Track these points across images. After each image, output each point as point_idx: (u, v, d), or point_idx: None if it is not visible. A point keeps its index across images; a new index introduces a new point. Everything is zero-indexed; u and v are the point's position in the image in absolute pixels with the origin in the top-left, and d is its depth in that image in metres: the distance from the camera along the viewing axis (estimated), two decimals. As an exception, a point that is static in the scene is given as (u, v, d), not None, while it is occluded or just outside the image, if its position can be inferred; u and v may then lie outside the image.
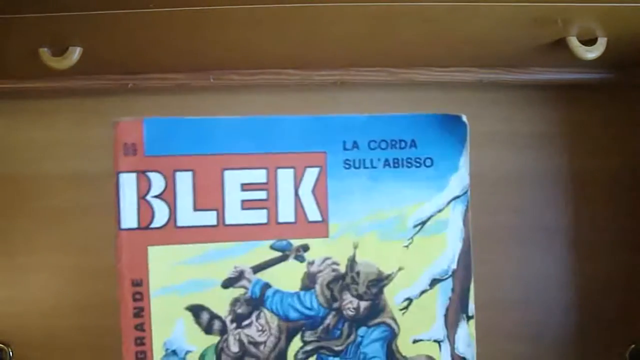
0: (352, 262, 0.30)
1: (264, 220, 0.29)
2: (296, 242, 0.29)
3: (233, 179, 0.29)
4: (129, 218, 0.30)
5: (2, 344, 0.61)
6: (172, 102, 0.64)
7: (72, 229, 0.63)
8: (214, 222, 0.29)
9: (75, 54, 0.53)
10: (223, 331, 0.29)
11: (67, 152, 0.64)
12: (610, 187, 0.64)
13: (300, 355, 0.29)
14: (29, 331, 0.61)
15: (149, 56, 0.57)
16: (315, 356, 0.29)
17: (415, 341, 0.30)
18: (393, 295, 0.30)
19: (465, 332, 0.30)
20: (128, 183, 0.30)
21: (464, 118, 0.30)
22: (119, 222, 0.30)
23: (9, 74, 0.61)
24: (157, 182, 0.29)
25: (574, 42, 0.52)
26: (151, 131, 0.30)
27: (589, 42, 0.52)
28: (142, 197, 0.29)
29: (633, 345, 0.62)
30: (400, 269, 0.30)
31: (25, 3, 0.45)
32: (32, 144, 0.64)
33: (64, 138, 0.64)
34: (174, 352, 0.29)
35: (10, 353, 0.61)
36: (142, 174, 0.29)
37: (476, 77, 0.62)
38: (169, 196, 0.29)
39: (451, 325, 0.29)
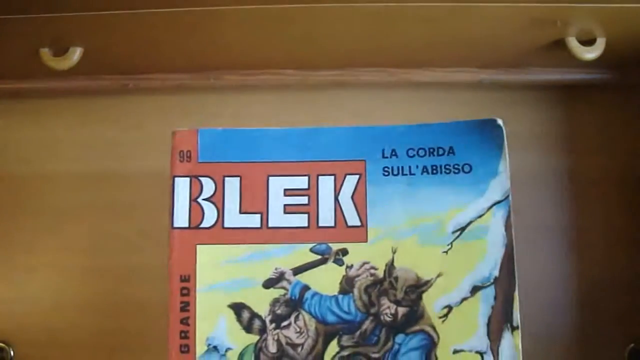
0: (390, 267, 0.30)
1: (305, 224, 0.30)
2: (335, 246, 0.30)
3: (277, 185, 0.31)
4: (180, 218, 0.31)
5: (3, 343, 0.61)
6: (172, 102, 0.64)
7: (73, 228, 0.63)
8: (258, 225, 0.31)
9: (76, 54, 0.53)
10: (262, 331, 0.30)
11: (67, 152, 0.64)
12: (610, 187, 0.64)
13: None
14: (30, 331, 0.61)
15: (149, 56, 0.57)
16: None
17: (455, 351, 0.29)
18: (432, 302, 0.29)
19: (510, 344, 0.29)
20: (182, 186, 0.32)
21: (500, 122, 0.30)
22: (172, 221, 0.32)
23: (9, 74, 0.61)
24: (208, 186, 0.31)
25: (573, 43, 0.52)
26: (204, 140, 0.32)
27: (588, 42, 0.53)
28: (193, 200, 0.31)
29: (632, 345, 0.62)
30: (439, 275, 0.30)
31: (25, 3, 0.46)
32: (32, 144, 0.65)
33: (64, 138, 0.64)
34: (215, 348, 0.30)
35: (12, 352, 0.61)
36: (195, 178, 0.31)
37: (476, 77, 0.62)
38: (218, 199, 0.31)
39: (494, 336, 0.29)
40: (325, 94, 0.64)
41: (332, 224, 0.30)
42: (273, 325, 0.30)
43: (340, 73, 0.62)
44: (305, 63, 0.60)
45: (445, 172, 0.30)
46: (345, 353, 0.29)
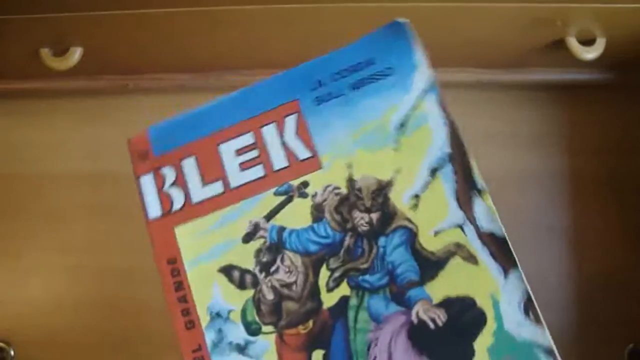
0: (350, 181, 0.31)
1: (262, 174, 0.32)
2: (295, 182, 0.31)
3: (227, 149, 0.33)
4: (153, 209, 0.34)
5: (4, 343, 0.61)
6: (172, 102, 0.64)
7: (73, 228, 0.63)
8: (222, 190, 0.32)
9: (76, 54, 0.53)
10: (255, 283, 0.31)
11: (67, 152, 0.64)
12: (610, 187, 0.64)
13: (331, 284, 0.30)
14: (31, 330, 0.62)
15: (149, 56, 0.57)
16: (346, 280, 0.30)
17: (436, 233, 0.30)
18: (400, 198, 0.30)
19: (483, 207, 0.30)
20: (147, 182, 0.34)
21: (402, 20, 0.33)
22: (146, 215, 0.34)
23: (9, 74, 0.61)
24: (169, 174, 0.33)
25: (573, 43, 0.52)
26: (155, 135, 0.34)
27: (588, 42, 0.53)
28: (160, 190, 0.33)
29: (631, 345, 0.62)
30: (397, 171, 0.31)
31: (26, 3, 0.46)
32: (32, 144, 0.65)
33: (64, 138, 0.64)
34: (218, 314, 0.31)
35: (12, 352, 0.61)
36: (156, 171, 0.34)
37: (476, 77, 0.62)
38: (181, 182, 0.33)
39: (466, 206, 0.30)
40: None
41: (286, 164, 0.32)
42: (263, 274, 0.31)
43: (340, 73, 0.62)
44: (306, 63, 0.60)
45: (370, 82, 0.32)
46: (337, 274, 0.30)
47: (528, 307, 0.29)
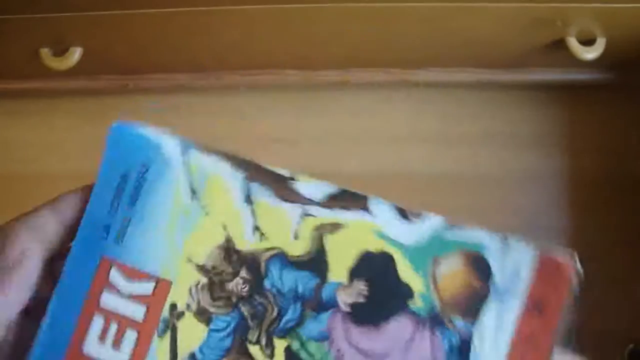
0: (200, 268, 0.29)
1: (135, 335, 0.29)
2: (165, 313, 0.29)
3: (92, 344, 0.29)
4: None
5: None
6: (172, 102, 0.64)
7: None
8: None
9: (76, 54, 0.53)
10: None
11: (67, 152, 0.64)
12: (610, 187, 0.64)
13: (268, 352, 0.28)
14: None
15: (149, 56, 0.57)
16: (273, 337, 0.28)
17: (296, 237, 0.28)
18: (246, 242, 0.29)
19: (304, 184, 0.28)
20: None
21: (114, 124, 0.30)
22: None
23: (9, 74, 0.61)
24: None
25: (573, 43, 0.52)
26: None
27: (588, 42, 0.53)
28: None
29: (632, 345, 0.62)
30: (224, 227, 0.29)
31: (25, 3, 0.46)
32: (31, 143, 0.65)
33: (64, 138, 0.64)
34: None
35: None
36: None
37: (475, 77, 0.62)
38: None
39: (293, 196, 0.28)
40: (326, 94, 0.64)
41: (145, 307, 0.29)
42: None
43: (340, 73, 0.62)
44: (306, 63, 0.60)
45: (140, 189, 0.30)
46: (263, 341, 0.28)
47: (404, 214, 0.27)
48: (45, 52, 0.53)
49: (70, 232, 0.29)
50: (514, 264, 0.26)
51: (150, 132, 0.29)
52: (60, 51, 0.53)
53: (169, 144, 0.29)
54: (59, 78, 0.60)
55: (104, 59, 0.57)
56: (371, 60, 0.60)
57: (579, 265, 0.26)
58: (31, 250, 0.28)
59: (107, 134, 0.29)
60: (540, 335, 0.25)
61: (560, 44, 0.53)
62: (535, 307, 0.26)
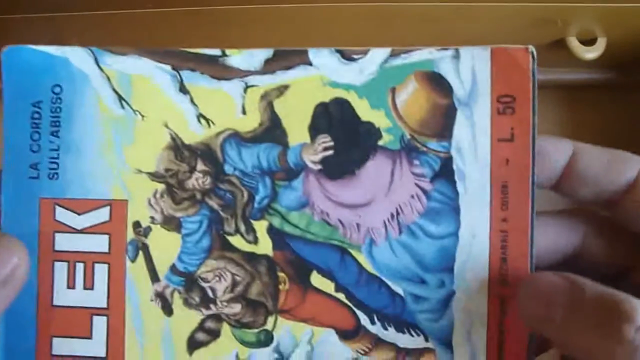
0: (155, 175, 0.26)
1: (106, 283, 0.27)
2: (129, 236, 0.27)
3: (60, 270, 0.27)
4: None
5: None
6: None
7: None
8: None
9: (75, 54, 0.53)
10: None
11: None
12: (610, 187, 0.64)
13: (250, 237, 0.26)
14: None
15: (149, 56, 0.57)
16: (252, 221, 0.26)
17: (244, 112, 0.27)
18: (191, 135, 0.27)
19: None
20: None
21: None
22: None
23: (9, 74, 0.61)
24: None
25: (573, 43, 0.52)
26: None
27: (589, 42, 0.52)
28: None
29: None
30: (167, 125, 0.27)
31: (24, 3, 0.45)
32: (32, 144, 0.64)
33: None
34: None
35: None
36: None
37: (476, 77, 0.62)
38: None
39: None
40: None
41: (105, 247, 0.27)
42: (211, 308, 0.27)
43: (340, 73, 0.62)
44: (305, 63, 0.60)
45: (56, 120, 0.27)
46: (242, 228, 0.26)
47: (347, 55, 0.27)
48: (44, 52, 0.53)
49: None
50: (470, 69, 0.26)
51: (52, 49, 0.26)
52: (60, 51, 0.53)
53: (78, 56, 0.27)
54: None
55: (103, 59, 0.57)
56: (371, 60, 0.60)
57: (533, 50, 0.25)
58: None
59: (1, 61, 0.26)
60: (517, 131, 0.25)
61: (560, 44, 0.53)
62: (503, 104, 0.25)
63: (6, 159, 0.25)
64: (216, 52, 0.27)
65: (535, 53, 0.25)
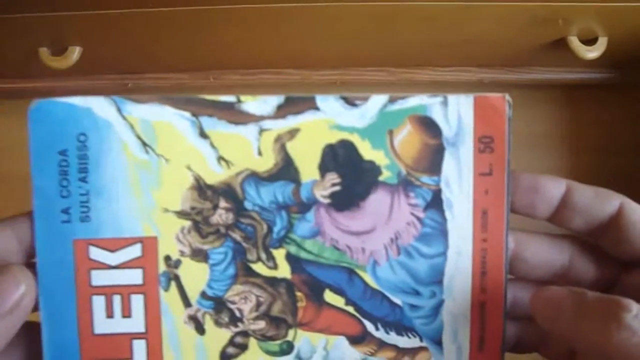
0: (181, 213, 0.29)
1: (142, 313, 0.29)
2: (162, 268, 0.29)
3: (99, 307, 0.29)
4: None
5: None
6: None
7: (72, 229, 0.62)
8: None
9: (75, 53, 0.53)
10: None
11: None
12: (610, 187, 0.64)
13: (271, 264, 0.29)
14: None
15: (149, 56, 0.57)
16: (271, 250, 0.29)
17: (260, 153, 0.29)
18: (216, 174, 0.29)
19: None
20: None
21: (33, 105, 0.28)
22: None
23: (8, 74, 0.60)
24: None
25: (574, 42, 0.52)
26: None
27: (590, 41, 0.52)
28: None
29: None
30: (188, 167, 0.29)
31: (25, 3, 0.45)
32: (31, 144, 0.64)
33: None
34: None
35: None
36: None
37: (476, 77, 0.62)
38: None
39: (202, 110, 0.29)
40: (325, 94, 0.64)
41: (141, 278, 0.29)
42: (238, 327, 0.30)
43: (340, 73, 0.62)
44: (305, 63, 0.60)
45: (85, 164, 0.29)
46: (263, 256, 0.29)
47: (350, 101, 0.29)
48: (44, 52, 0.52)
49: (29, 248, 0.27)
50: (456, 113, 0.28)
51: (76, 100, 0.28)
52: (59, 50, 0.53)
53: (100, 105, 0.28)
54: (58, 77, 0.59)
55: (103, 59, 0.57)
56: (371, 59, 0.60)
57: (509, 99, 0.28)
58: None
59: (28, 116, 0.27)
60: (495, 167, 0.29)
61: (561, 43, 0.53)
62: (483, 144, 0.28)
63: (37, 205, 0.27)
64: (232, 99, 0.28)
65: (511, 101, 0.28)
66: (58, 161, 0.27)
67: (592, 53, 0.52)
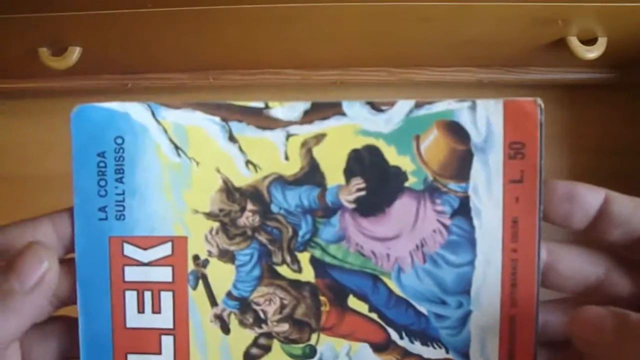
0: (209, 215, 0.30)
1: (171, 306, 0.30)
2: (190, 267, 0.30)
3: (131, 299, 0.30)
4: None
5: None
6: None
7: (72, 229, 0.63)
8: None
9: (75, 54, 0.53)
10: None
11: (67, 152, 0.64)
12: (610, 187, 0.64)
13: (295, 267, 0.29)
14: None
15: (149, 56, 0.57)
16: (296, 253, 0.29)
17: (286, 158, 0.29)
18: (243, 176, 0.30)
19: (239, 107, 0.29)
20: None
21: (75, 109, 0.31)
22: None
23: (8, 74, 0.61)
24: None
25: (574, 42, 0.52)
26: None
27: (589, 41, 0.52)
28: None
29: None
30: (217, 170, 0.30)
31: (25, 3, 0.45)
32: (32, 144, 0.64)
33: (63, 138, 0.64)
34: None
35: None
36: None
37: (476, 77, 0.62)
38: None
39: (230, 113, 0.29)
40: (325, 94, 0.64)
41: (170, 276, 0.31)
42: (262, 327, 0.30)
43: (340, 73, 0.62)
44: (305, 63, 0.60)
45: (121, 163, 0.30)
46: (288, 259, 0.30)
47: (376, 107, 0.29)
48: (44, 52, 0.53)
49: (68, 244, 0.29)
50: (485, 119, 0.28)
51: (114, 105, 0.29)
52: (59, 51, 0.53)
53: (137, 110, 0.29)
54: (58, 78, 0.59)
55: (103, 59, 0.57)
56: (371, 59, 0.60)
57: (541, 103, 0.27)
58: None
59: (70, 118, 0.30)
60: (526, 174, 0.28)
61: (561, 43, 0.53)
62: (514, 150, 0.28)
63: (77, 203, 0.29)
64: (260, 104, 0.29)
65: (542, 105, 0.27)
66: (97, 162, 0.29)
67: (591, 53, 0.52)
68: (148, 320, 0.29)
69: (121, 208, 0.29)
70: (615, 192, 0.27)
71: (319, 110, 0.29)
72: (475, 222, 0.28)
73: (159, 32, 0.50)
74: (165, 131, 0.29)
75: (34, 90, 0.62)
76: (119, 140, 0.29)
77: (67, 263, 0.28)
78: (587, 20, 0.49)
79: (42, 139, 0.64)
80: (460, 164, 0.28)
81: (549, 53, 0.56)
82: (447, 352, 0.29)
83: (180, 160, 0.29)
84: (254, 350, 0.29)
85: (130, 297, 0.29)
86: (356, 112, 0.29)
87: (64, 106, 0.65)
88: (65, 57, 0.53)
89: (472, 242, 0.28)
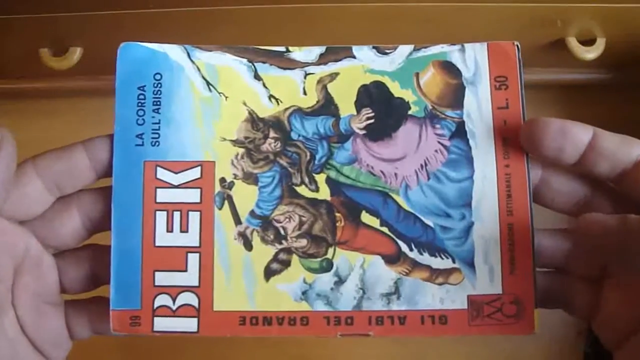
0: (236, 142, 0.33)
1: (198, 228, 0.33)
2: (217, 188, 0.33)
3: (160, 221, 0.33)
4: None
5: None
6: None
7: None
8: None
9: (76, 54, 0.53)
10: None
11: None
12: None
13: (312, 187, 0.33)
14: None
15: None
16: (313, 175, 0.33)
17: (305, 92, 0.34)
18: (265, 106, 0.34)
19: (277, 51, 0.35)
20: None
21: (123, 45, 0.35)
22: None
23: (9, 74, 0.61)
24: None
25: (573, 43, 0.52)
26: None
27: (588, 42, 0.53)
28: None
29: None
30: (244, 103, 0.34)
31: (26, 3, 0.46)
32: (32, 144, 0.64)
33: (63, 138, 0.64)
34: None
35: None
36: None
37: (476, 77, 0.62)
38: None
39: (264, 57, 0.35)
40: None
41: (198, 196, 0.33)
42: (280, 244, 0.33)
43: (340, 73, 0.62)
44: (305, 63, 0.60)
45: (159, 98, 0.34)
46: (306, 180, 0.33)
47: (381, 50, 0.33)
48: (44, 52, 0.53)
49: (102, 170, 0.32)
50: (473, 58, 0.33)
51: (154, 46, 0.33)
52: (60, 51, 0.53)
53: (174, 52, 0.33)
54: (59, 78, 0.60)
55: (104, 59, 0.57)
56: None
57: (518, 44, 0.33)
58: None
59: (117, 54, 0.34)
60: (510, 101, 0.33)
61: (560, 44, 0.53)
62: (499, 82, 0.33)
63: (117, 131, 0.32)
64: (281, 49, 0.34)
65: (519, 45, 0.33)
66: (137, 95, 0.33)
67: (590, 54, 0.52)
68: (176, 238, 0.32)
69: (156, 135, 0.32)
70: (602, 130, 0.30)
71: (333, 53, 0.34)
72: (471, 142, 0.32)
73: (159, 32, 0.51)
74: (199, 69, 0.33)
75: (34, 91, 0.62)
76: (158, 77, 0.33)
77: (101, 190, 0.31)
78: (586, 20, 0.49)
79: (42, 139, 0.64)
80: (455, 95, 0.33)
81: (547, 53, 0.56)
82: (453, 261, 0.32)
83: (211, 95, 0.33)
84: (274, 265, 0.32)
85: (161, 217, 0.32)
86: (364, 54, 0.33)
87: (64, 106, 0.66)
88: (66, 57, 0.53)
89: (469, 160, 0.32)
